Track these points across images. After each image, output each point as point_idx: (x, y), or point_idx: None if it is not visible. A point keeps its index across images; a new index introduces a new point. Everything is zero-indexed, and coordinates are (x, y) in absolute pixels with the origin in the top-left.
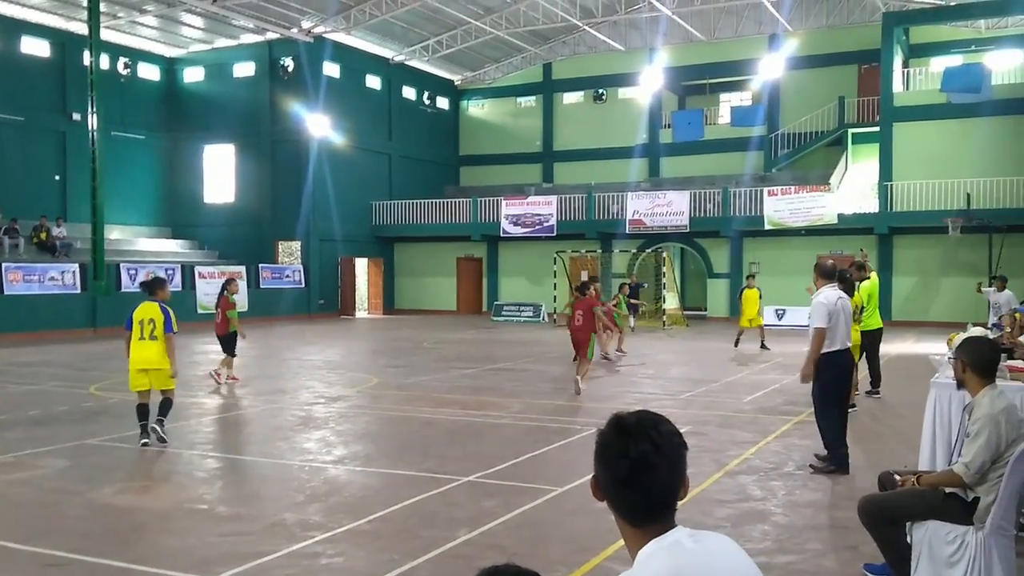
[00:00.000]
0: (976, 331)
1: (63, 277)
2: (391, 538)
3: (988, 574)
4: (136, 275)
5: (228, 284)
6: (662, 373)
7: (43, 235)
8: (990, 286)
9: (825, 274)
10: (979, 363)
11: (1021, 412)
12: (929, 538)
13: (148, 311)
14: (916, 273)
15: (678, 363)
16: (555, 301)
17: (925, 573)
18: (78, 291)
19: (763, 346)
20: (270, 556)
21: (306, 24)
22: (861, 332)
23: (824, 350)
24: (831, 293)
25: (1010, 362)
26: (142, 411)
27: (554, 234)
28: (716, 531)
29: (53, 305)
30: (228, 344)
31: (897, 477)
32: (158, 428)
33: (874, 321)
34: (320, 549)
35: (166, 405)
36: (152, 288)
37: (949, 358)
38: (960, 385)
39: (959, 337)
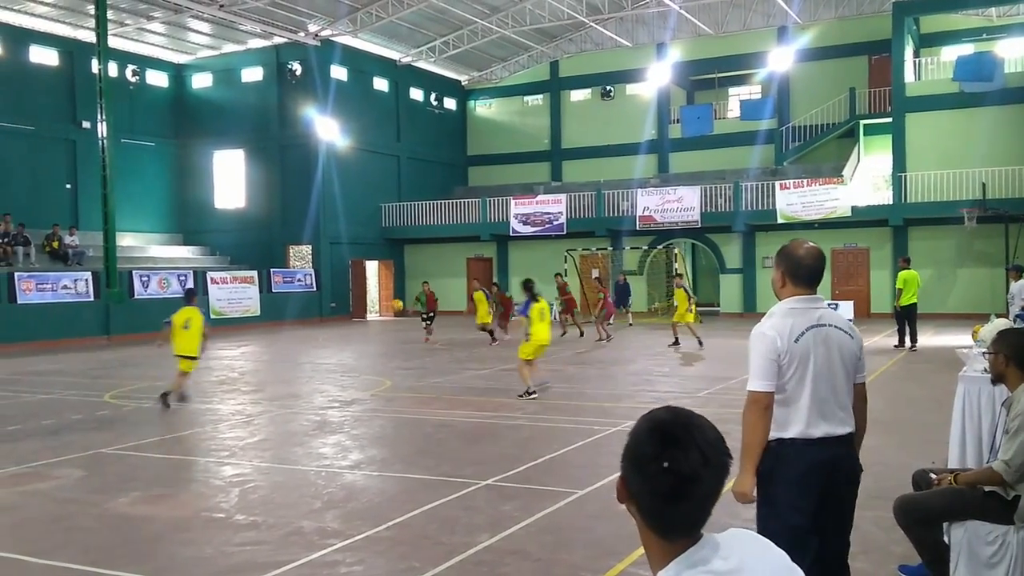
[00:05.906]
0: (1000, 323)
1: (76, 285)
2: (411, 545)
3: None
4: (149, 282)
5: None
6: (677, 371)
7: (55, 244)
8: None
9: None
10: (1022, 357)
11: None
12: (968, 538)
13: (186, 313)
14: (932, 265)
15: (693, 359)
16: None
17: (964, 574)
18: (91, 299)
19: (676, 343)
20: (289, 565)
21: (313, 28)
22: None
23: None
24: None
25: None
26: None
27: (564, 232)
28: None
29: (66, 313)
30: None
31: (933, 476)
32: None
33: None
34: (340, 557)
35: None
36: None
37: (985, 352)
38: (998, 379)
39: (984, 329)
